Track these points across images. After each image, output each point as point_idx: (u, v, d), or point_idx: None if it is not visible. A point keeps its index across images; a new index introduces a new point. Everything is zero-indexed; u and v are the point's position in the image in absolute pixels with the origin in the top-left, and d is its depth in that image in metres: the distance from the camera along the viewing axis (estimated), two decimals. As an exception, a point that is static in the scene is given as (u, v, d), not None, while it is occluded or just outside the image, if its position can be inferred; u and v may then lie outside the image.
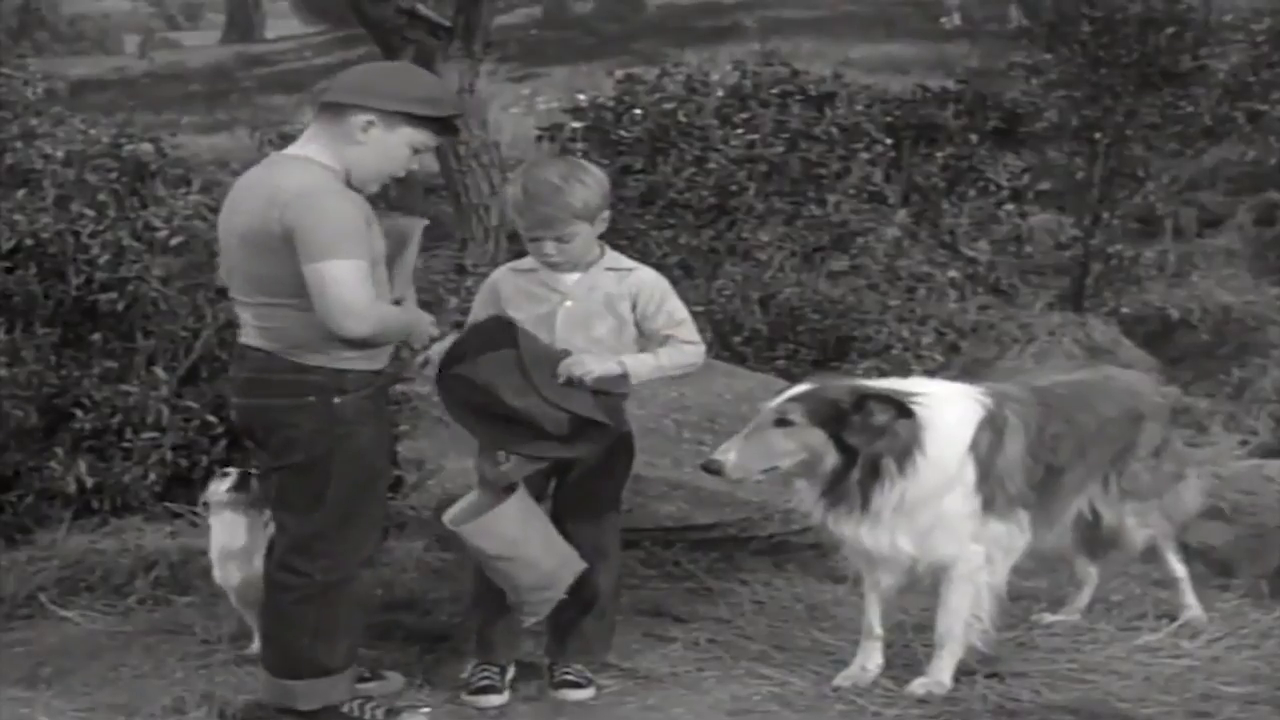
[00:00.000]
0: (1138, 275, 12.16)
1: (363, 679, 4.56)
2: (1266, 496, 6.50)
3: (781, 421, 4.39)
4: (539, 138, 12.12)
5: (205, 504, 5.04)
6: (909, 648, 4.78)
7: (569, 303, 4.59)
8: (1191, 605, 5.07)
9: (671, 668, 4.80)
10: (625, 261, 4.70)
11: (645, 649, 4.94)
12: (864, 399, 4.39)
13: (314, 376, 4.18)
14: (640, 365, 4.54)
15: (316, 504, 4.22)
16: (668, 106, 11.41)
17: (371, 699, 4.47)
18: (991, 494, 4.50)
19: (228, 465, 5.79)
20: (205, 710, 4.51)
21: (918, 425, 4.39)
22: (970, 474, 4.47)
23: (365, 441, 4.25)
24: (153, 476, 6.12)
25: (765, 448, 4.39)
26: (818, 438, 4.38)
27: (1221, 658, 4.77)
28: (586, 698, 4.61)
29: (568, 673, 4.65)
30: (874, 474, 4.38)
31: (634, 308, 4.60)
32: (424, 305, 4.56)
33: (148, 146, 7.01)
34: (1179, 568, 5.11)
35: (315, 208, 4.09)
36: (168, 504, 6.15)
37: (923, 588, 4.62)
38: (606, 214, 4.63)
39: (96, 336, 6.34)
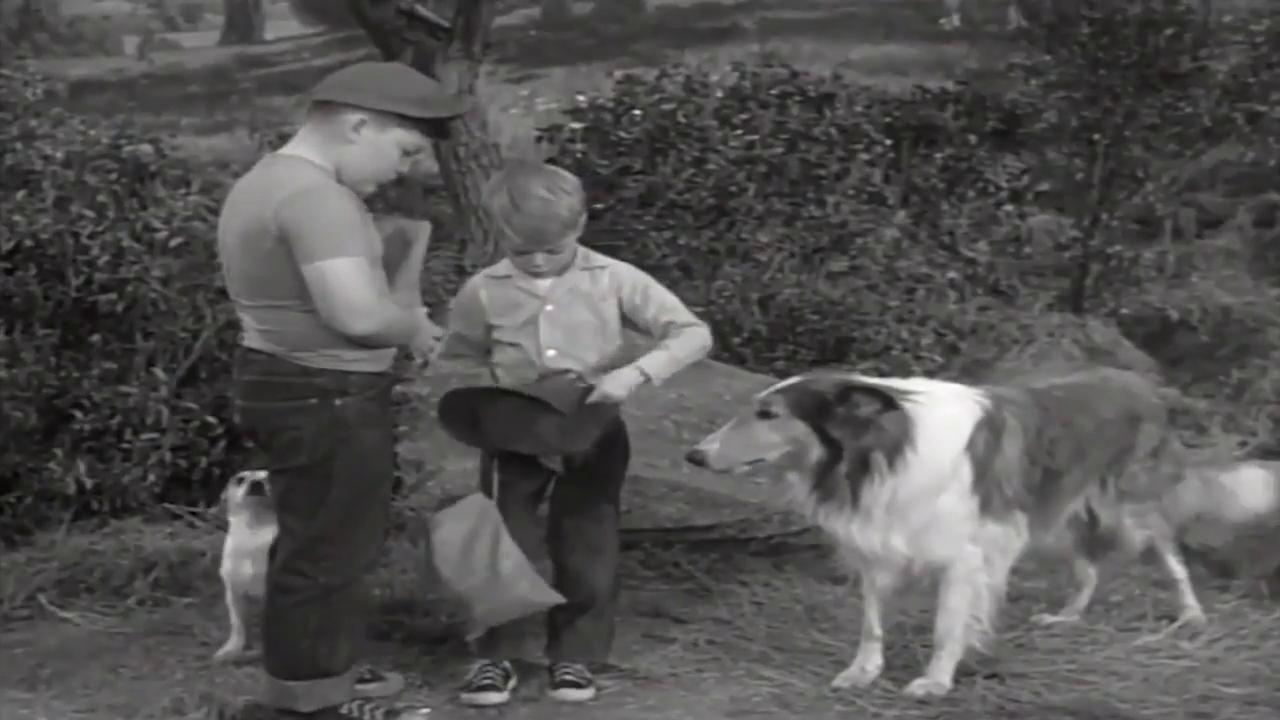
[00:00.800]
0: (1137, 276, 12.17)
1: (363, 680, 4.56)
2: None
3: (765, 414, 4.40)
4: (538, 139, 12.14)
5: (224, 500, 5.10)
6: (908, 649, 4.78)
7: (549, 306, 4.61)
8: (1191, 606, 5.07)
9: (671, 668, 4.80)
10: (596, 259, 4.72)
11: (645, 650, 4.94)
12: (849, 391, 4.39)
13: (317, 379, 4.18)
14: (658, 365, 4.57)
15: (320, 506, 4.22)
16: (667, 107, 11.42)
17: (371, 700, 4.47)
18: (989, 495, 4.50)
19: (227, 466, 5.82)
20: (205, 711, 4.51)
21: (908, 421, 4.39)
22: (966, 475, 4.47)
23: (369, 444, 4.25)
24: (152, 477, 6.12)
25: (748, 440, 4.39)
26: (801, 430, 4.38)
27: (1221, 659, 4.77)
28: (586, 698, 4.62)
29: (567, 673, 4.65)
30: (863, 469, 4.38)
31: (620, 304, 4.62)
32: (424, 305, 4.55)
33: (147, 147, 7.00)
34: (1178, 569, 5.11)
35: (311, 206, 4.09)
36: (167, 505, 6.14)
37: (922, 589, 4.62)
38: (584, 217, 4.66)
39: (96, 337, 6.33)
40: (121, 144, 6.95)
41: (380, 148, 4.24)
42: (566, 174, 4.69)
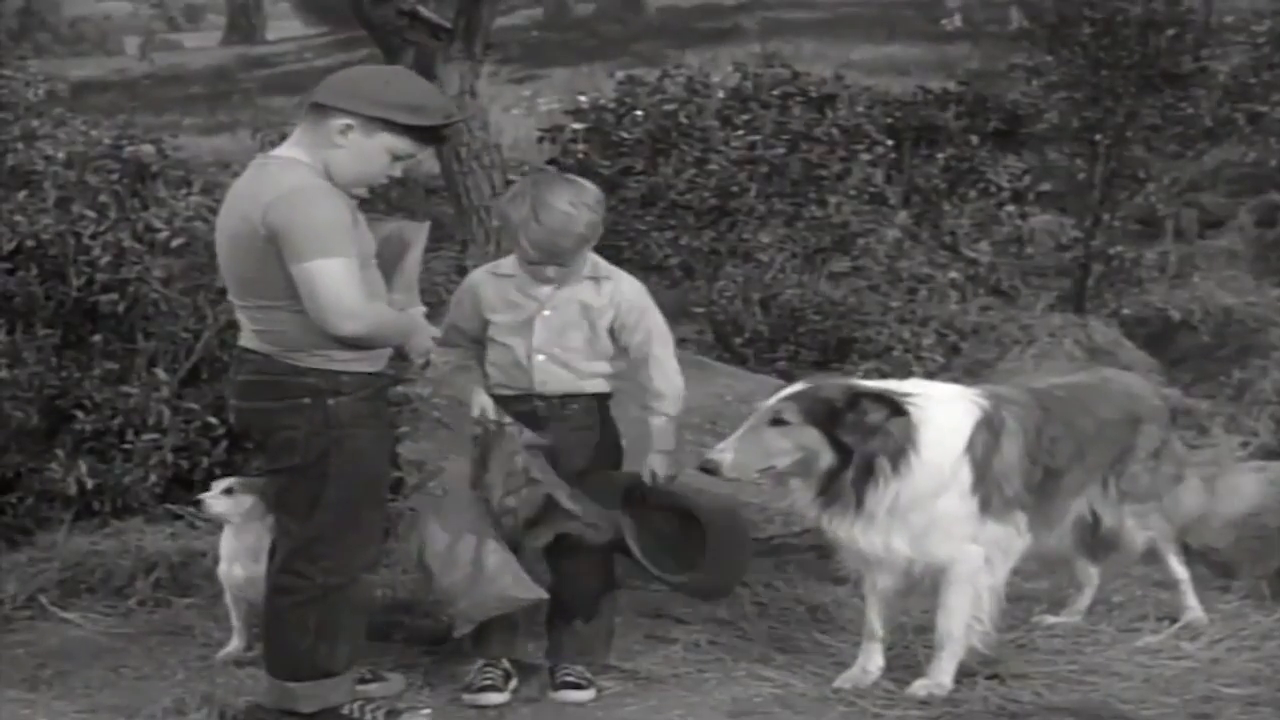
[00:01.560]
0: (1139, 277, 12.14)
1: (363, 680, 4.56)
2: (1267, 498, 6.49)
3: (777, 421, 4.40)
4: (540, 139, 12.13)
5: (196, 503, 5.11)
6: (910, 649, 4.78)
7: (547, 311, 4.61)
8: (1192, 607, 5.07)
9: (672, 669, 4.80)
10: (603, 267, 4.71)
11: (646, 650, 4.94)
12: (858, 397, 4.39)
13: (309, 378, 4.18)
14: (671, 436, 4.67)
15: (315, 507, 4.22)
16: (669, 108, 11.42)
17: (372, 700, 4.47)
18: (988, 496, 4.50)
19: (229, 466, 5.83)
20: (206, 712, 4.51)
21: (911, 425, 4.39)
22: (966, 476, 4.47)
23: (363, 444, 4.24)
24: (153, 478, 6.12)
25: (761, 447, 4.39)
26: (813, 436, 4.38)
27: (1222, 659, 4.77)
28: (587, 699, 4.62)
29: (568, 674, 4.65)
30: (868, 473, 4.39)
31: (614, 317, 4.62)
32: (424, 305, 4.54)
33: (149, 148, 7.00)
34: (1180, 570, 5.11)
35: (299, 207, 4.08)
36: (168, 505, 6.14)
37: (923, 590, 4.61)
38: (601, 230, 4.66)
39: (97, 338, 6.33)
40: (123, 144, 6.95)
41: (367, 153, 4.21)
42: (591, 187, 4.65)
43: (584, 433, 4.65)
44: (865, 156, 11.45)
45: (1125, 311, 11.61)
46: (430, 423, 6.77)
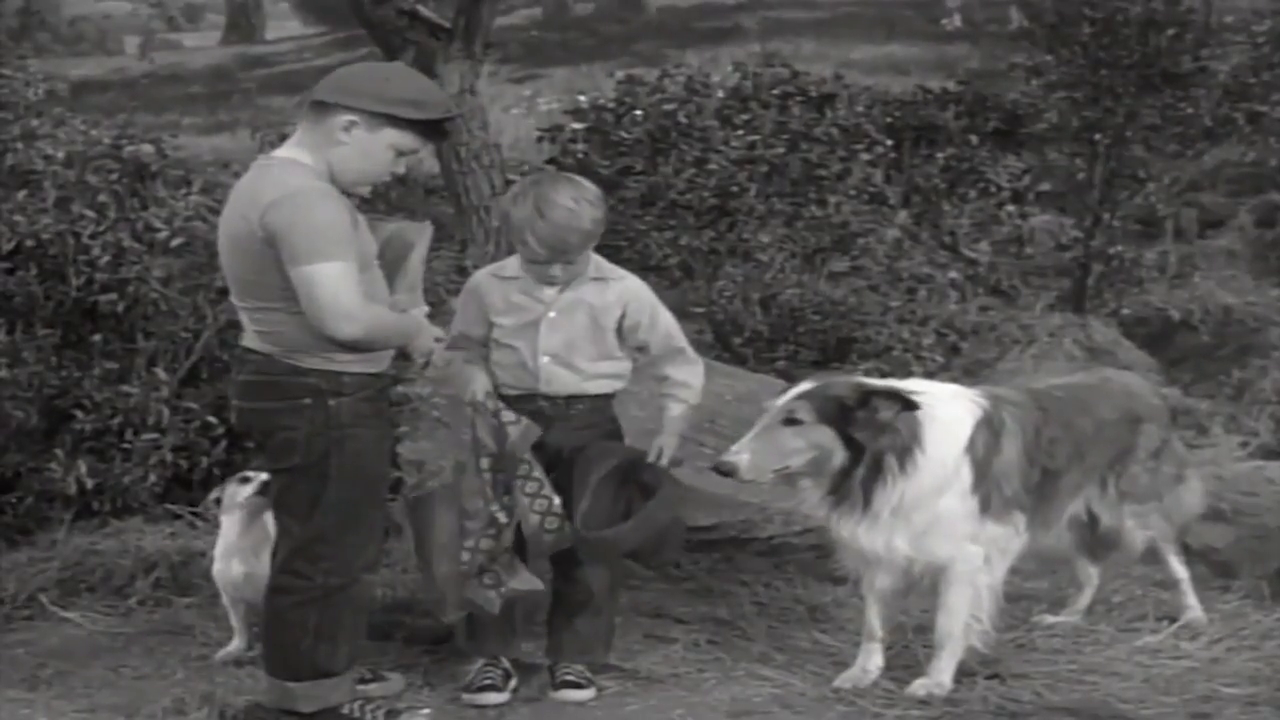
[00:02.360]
0: (1138, 276, 12.14)
1: (363, 680, 4.56)
2: (1267, 498, 6.50)
3: (790, 420, 4.39)
4: (540, 139, 12.13)
5: (217, 501, 5.09)
6: (909, 649, 4.78)
7: (552, 314, 4.61)
8: (1192, 607, 5.07)
9: (672, 669, 4.80)
10: (608, 269, 4.71)
11: (646, 650, 4.94)
12: (869, 394, 4.39)
13: (310, 379, 4.17)
14: (685, 423, 4.71)
15: (315, 507, 4.22)
16: (668, 108, 11.41)
17: (372, 700, 4.47)
18: (988, 496, 4.51)
19: (228, 466, 5.83)
20: (206, 712, 4.51)
21: (918, 422, 4.39)
22: (966, 475, 4.47)
23: (364, 444, 4.24)
24: (153, 478, 6.12)
25: (776, 447, 4.39)
26: (826, 435, 4.38)
27: (1222, 659, 4.77)
28: (587, 698, 4.62)
29: (568, 674, 4.65)
30: (877, 472, 4.39)
31: (623, 317, 4.62)
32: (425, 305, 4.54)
33: (148, 147, 7.00)
34: (1180, 569, 5.11)
35: (298, 211, 4.07)
36: (168, 505, 6.15)
37: (922, 589, 4.62)
38: (603, 228, 4.66)
39: (97, 337, 6.34)
40: (123, 144, 6.96)
41: (371, 149, 4.21)
42: (590, 185, 4.66)
43: (588, 432, 4.65)
44: (865, 156, 11.46)
45: (1125, 311, 11.61)
46: (430, 423, 6.77)
